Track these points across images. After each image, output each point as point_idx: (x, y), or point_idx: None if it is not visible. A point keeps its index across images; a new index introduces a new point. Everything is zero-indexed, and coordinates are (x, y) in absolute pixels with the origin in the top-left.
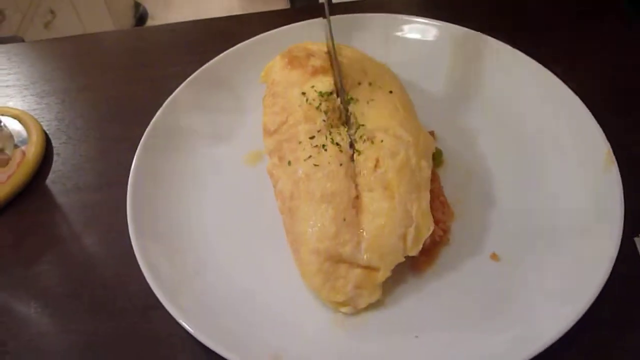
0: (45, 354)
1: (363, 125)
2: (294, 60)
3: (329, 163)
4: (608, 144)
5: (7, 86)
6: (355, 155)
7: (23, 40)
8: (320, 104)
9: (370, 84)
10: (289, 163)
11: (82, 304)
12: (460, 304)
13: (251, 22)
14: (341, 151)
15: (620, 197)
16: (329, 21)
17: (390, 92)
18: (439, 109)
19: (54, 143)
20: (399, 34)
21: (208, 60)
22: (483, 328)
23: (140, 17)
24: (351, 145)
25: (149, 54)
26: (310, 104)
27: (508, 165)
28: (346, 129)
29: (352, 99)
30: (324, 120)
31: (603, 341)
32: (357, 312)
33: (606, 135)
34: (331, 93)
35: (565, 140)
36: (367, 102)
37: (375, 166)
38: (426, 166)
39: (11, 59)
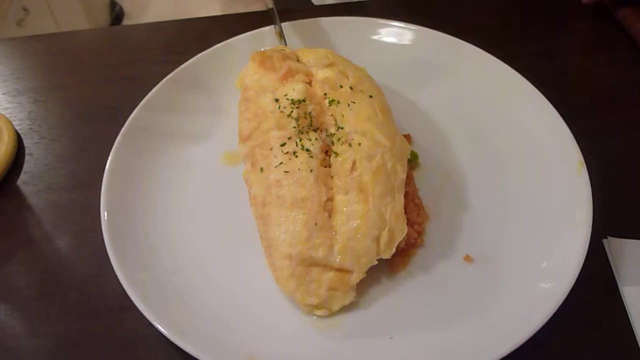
0: (16, 357)
1: (342, 127)
2: (266, 61)
3: (299, 169)
4: (579, 152)
5: None
6: (332, 157)
7: None
8: (291, 111)
9: (351, 87)
10: (261, 169)
11: (54, 306)
12: (434, 304)
13: (230, 23)
14: (311, 157)
15: (589, 200)
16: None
17: (371, 96)
18: (414, 113)
19: (26, 143)
20: (375, 37)
21: (186, 61)
22: (456, 328)
23: (117, 17)
24: (327, 150)
25: (125, 53)
26: (281, 111)
27: (482, 168)
28: (317, 135)
29: (333, 100)
30: (294, 127)
31: (573, 340)
32: (332, 314)
33: (578, 138)
34: (303, 100)
35: (539, 145)
36: (348, 105)
37: (352, 168)
38: (401, 170)
39: None
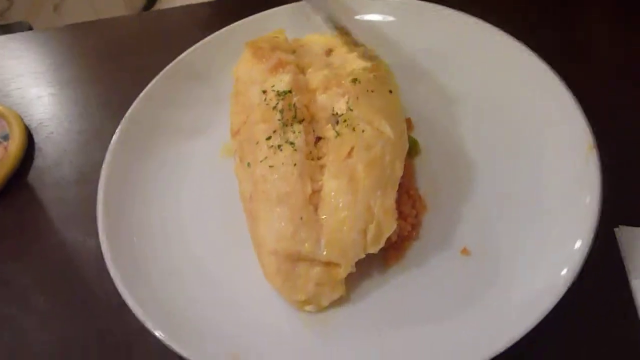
0: (21, 355)
1: (352, 110)
2: (258, 52)
3: (283, 164)
4: (591, 137)
5: None
6: (333, 136)
7: (31, 27)
8: (277, 103)
9: (375, 76)
10: (248, 164)
11: (60, 302)
12: (429, 299)
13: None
14: (295, 150)
15: (598, 188)
16: None
17: (390, 91)
18: (416, 95)
19: (36, 138)
20: (367, 16)
21: None
22: (450, 324)
23: None
24: (318, 139)
25: (137, 43)
26: (267, 103)
27: (486, 154)
28: (301, 127)
29: (356, 79)
30: (279, 120)
31: (578, 335)
32: (322, 309)
33: (592, 122)
34: (289, 91)
35: (547, 129)
36: (367, 91)
37: (348, 154)
38: (399, 167)
39: None
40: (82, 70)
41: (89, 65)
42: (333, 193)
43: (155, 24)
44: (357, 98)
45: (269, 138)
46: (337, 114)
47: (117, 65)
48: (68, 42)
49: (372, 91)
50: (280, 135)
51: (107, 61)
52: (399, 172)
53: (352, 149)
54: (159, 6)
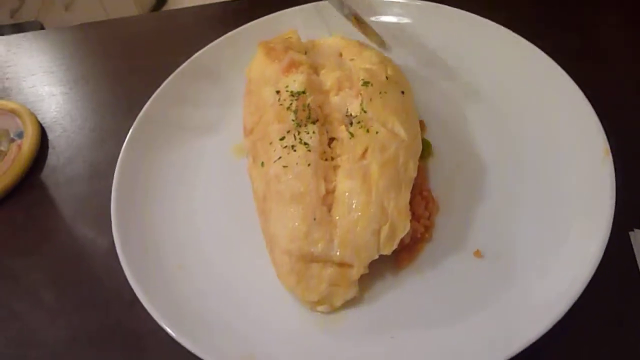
0: (32, 348)
1: (365, 112)
2: (271, 52)
3: (297, 164)
4: (606, 141)
5: (6, 78)
6: (347, 137)
7: (42, 27)
8: (291, 103)
9: (387, 77)
10: (262, 164)
11: (71, 298)
12: (441, 302)
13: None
14: (309, 150)
15: (612, 193)
16: None
17: (402, 92)
18: (429, 97)
19: (50, 136)
20: (391, 15)
21: None
22: (462, 327)
23: None
24: (331, 140)
25: (148, 43)
26: (281, 104)
27: (499, 156)
28: (315, 127)
29: (367, 82)
30: (293, 120)
31: (593, 339)
32: (335, 310)
33: (607, 127)
34: (303, 92)
35: (561, 133)
36: (379, 93)
37: (362, 156)
38: (412, 168)
39: (11, 51)
40: (93, 69)
41: (100, 64)
42: (347, 193)
43: (167, 24)
44: (371, 100)
45: (282, 138)
46: (351, 115)
47: (128, 64)
48: (79, 40)
49: (385, 92)
50: (294, 135)
51: (117, 60)
52: (413, 173)
53: (366, 150)
54: (167, 7)
